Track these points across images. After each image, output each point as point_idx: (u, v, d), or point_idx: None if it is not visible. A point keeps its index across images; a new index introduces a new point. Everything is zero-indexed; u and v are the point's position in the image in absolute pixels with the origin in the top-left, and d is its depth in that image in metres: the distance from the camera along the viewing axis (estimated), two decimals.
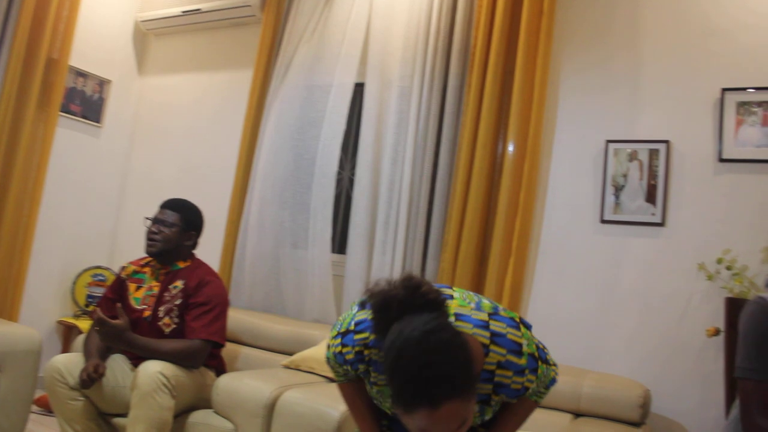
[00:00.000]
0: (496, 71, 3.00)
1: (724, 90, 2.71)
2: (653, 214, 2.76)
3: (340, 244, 3.54)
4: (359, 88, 3.52)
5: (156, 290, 2.69)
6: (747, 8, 2.74)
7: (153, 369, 2.29)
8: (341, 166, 3.64)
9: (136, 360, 2.52)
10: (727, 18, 2.77)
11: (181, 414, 2.50)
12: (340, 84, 3.49)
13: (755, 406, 1.52)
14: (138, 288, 2.73)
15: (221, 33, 4.17)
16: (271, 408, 2.34)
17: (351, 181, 3.54)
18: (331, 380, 2.62)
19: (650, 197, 2.79)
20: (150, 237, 2.68)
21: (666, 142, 2.78)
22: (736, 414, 1.66)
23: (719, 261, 2.56)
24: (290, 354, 3.01)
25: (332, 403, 2.25)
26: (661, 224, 2.74)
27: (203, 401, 2.55)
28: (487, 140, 2.95)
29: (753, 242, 2.57)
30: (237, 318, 3.23)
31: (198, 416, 2.51)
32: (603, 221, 2.85)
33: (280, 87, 3.71)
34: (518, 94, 2.96)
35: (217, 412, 2.49)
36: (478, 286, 2.94)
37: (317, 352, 2.79)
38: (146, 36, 4.47)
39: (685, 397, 2.60)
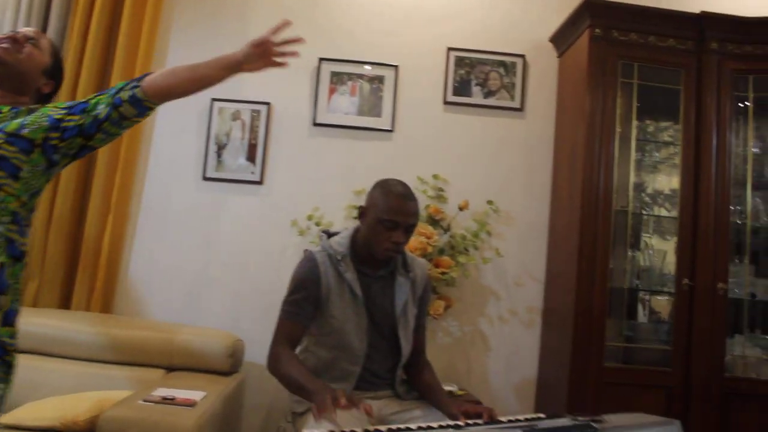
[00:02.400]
0: (101, 16, 3.09)
1: (321, 59, 3.33)
2: (253, 173, 3.21)
3: None
4: None
5: None
6: None
7: None
8: None
9: None
10: None
11: None
12: None
13: (282, 339, 1.99)
14: None
15: None
16: None
17: None
18: None
19: (251, 156, 3.25)
20: None
21: (267, 104, 3.23)
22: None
23: (309, 218, 3.16)
24: None
25: None
26: (259, 182, 3.17)
27: None
28: (88, 90, 3.06)
29: (339, 201, 3.23)
30: None
31: None
32: (205, 179, 3.16)
33: None
34: (124, 45, 3.08)
35: None
36: (75, 243, 3.02)
37: None
38: None
39: None
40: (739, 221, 2.96)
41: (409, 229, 2.03)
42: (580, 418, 1.52)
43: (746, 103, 3.00)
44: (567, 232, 2.96)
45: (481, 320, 3.20)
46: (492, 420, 1.70)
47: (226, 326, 3.02)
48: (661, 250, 3.03)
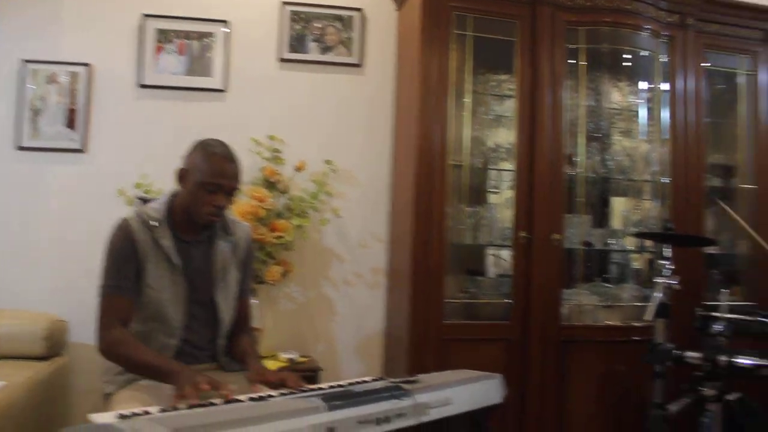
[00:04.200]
0: None
1: (146, 16, 3.23)
2: (73, 140, 3.08)
3: None
4: None
5: None
6: None
7: None
8: None
9: None
10: None
11: None
12: None
13: (110, 317, 1.90)
14: None
15: None
16: None
17: None
18: None
19: (70, 122, 3.12)
20: None
21: (87, 65, 3.09)
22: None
23: (138, 186, 3.08)
24: None
25: None
26: (81, 151, 3.07)
27: None
28: None
29: (169, 167, 3.17)
30: None
31: None
32: (20, 148, 3.03)
33: None
34: None
35: None
36: None
37: None
38: None
39: None
40: (573, 173, 3.12)
41: (231, 192, 2.01)
42: (393, 380, 1.56)
43: (579, 57, 3.14)
44: (406, 190, 3.05)
45: (325, 284, 3.27)
46: (296, 389, 1.71)
47: (51, 308, 2.94)
48: (502, 205, 3.17)
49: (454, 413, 1.56)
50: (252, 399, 1.53)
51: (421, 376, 1.61)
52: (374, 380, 1.65)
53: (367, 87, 3.34)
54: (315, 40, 3.30)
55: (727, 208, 2.92)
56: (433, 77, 2.91)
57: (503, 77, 3.14)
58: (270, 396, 1.57)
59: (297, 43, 3.28)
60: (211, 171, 1.96)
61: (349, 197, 3.27)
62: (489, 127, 3.18)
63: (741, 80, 3.42)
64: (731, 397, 2.49)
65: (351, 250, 3.27)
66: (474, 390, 1.66)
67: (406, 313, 2.89)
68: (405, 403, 1.44)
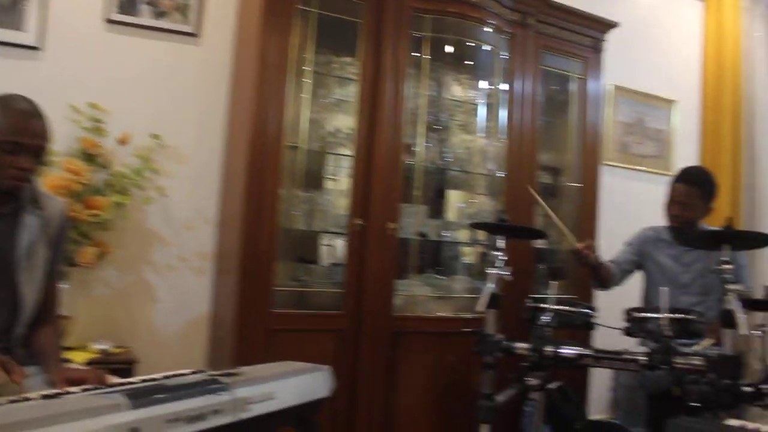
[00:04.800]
0: None
1: None
2: None
3: None
4: None
5: None
6: None
7: None
8: None
9: None
10: None
11: None
12: None
13: None
14: None
15: None
16: None
17: None
18: None
19: None
20: None
21: None
22: None
23: None
24: None
25: None
26: None
27: None
28: None
29: None
30: None
31: None
32: None
33: None
34: None
35: None
36: None
37: None
38: None
39: None
40: (412, 162, 3.14)
41: (38, 153, 1.80)
42: (211, 374, 1.45)
43: (423, 46, 3.15)
44: (238, 171, 2.92)
45: (146, 268, 3.06)
46: (100, 385, 1.56)
47: None
48: (338, 191, 3.12)
49: (278, 408, 1.48)
50: (45, 396, 1.34)
51: (243, 369, 1.51)
52: (193, 373, 1.53)
53: (203, 59, 3.16)
54: (148, 3, 3.08)
55: (536, 195, 3.04)
56: (272, 53, 2.80)
57: (347, 60, 3.08)
58: (68, 393, 1.39)
59: (127, 5, 3.05)
60: (11, 128, 1.76)
61: (177, 175, 3.09)
62: (329, 111, 3.12)
63: (573, 84, 3.60)
64: (552, 385, 2.61)
65: (176, 233, 3.09)
66: (299, 383, 1.59)
67: (233, 301, 2.76)
68: (222, 398, 1.33)
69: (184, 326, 3.12)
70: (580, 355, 2.31)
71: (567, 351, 2.34)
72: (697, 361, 2.13)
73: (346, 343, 2.92)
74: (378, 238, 2.95)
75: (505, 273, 2.49)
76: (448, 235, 3.30)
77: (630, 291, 3.19)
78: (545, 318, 2.46)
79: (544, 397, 2.51)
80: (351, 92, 3.05)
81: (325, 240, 3.14)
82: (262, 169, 2.77)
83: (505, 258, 2.52)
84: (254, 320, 2.75)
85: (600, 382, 3.60)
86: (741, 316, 2.10)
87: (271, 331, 2.77)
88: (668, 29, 4.82)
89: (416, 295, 3.09)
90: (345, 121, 3.08)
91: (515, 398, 2.50)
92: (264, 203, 2.77)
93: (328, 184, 3.14)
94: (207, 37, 3.19)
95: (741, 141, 4.93)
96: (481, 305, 2.44)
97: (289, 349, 2.63)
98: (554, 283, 2.57)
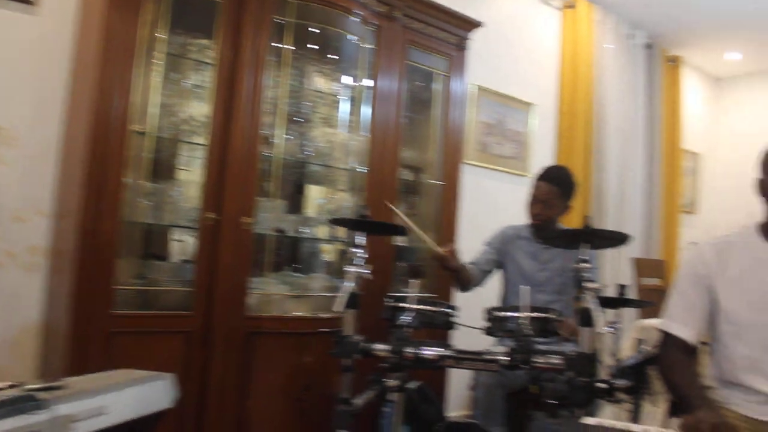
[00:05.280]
0: None
1: None
2: None
3: None
4: None
5: None
6: None
7: None
8: None
9: None
10: None
11: None
12: None
13: None
14: None
15: None
16: None
17: None
18: None
19: None
20: None
21: None
22: None
23: None
24: None
25: None
26: None
27: None
28: None
29: None
30: None
31: None
32: None
33: None
34: None
35: None
36: None
37: None
38: None
39: None
40: (270, 154, 3.00)
41: None
42: (28, 388, 1.26)
43: (286, 33, 3.02)
44: (77, 158, 2.65)
45: None
46: None
47: None
48: (191, 182, 2.92)
49: (110, 424, 1.33)
50: None
51: (69, 381, 1.35)
52: (9, 387, 1.32)
53: (41, 32, 2.85)
54: None
55: (395, 209, 3.01)
56: (119, 30, 2.56)
57: (204, 42, 2.89)
58: None
59: None
60: None
61: (6, 159, 2.77)
62: (183, 96, 2.91)
63: (437, 81, 3.60)
64: (411, 385, 2.56)
65: (3, 225, 2.77)
66: (137, 394, 1.44)
67: (69, 301, 2.50)
68: (39, 417, 1.17)
69: (11, 330, 2.80)
70: (441, 357, 2.28)
71: (428, 352, 2.30)
72: (555, 360, 2.16)
73: (196, 345, 2.74)
74: (232, 234, 2.80)
75: (365, 271, 2.42)
76: (307, 231, 3.19)
77: (490, 290, 3.23)
78: (405, 318, 2.40)
79: (403, 398, 2.46)
80: (207, 77, 2.86)
81: (175, 235, 2.93)
82: (104, 156, 2.53)
83: (365, 255, 2.45)
84: (92, 323, 2.51)
85: (458, 380, 3.63)
86: (597, 314, 2.14)
87: (111, 335, 2.55)
88: (529, 35, 4.98)
89: (272, 294, 2.97)
90: (200, 108, 2.88)
91: (374, 400, 2.44)
92: (105, 193, 2.54)
93: (180, 175, 2.94)
94: (46, 7, 2.88)
95: (591, 146, 5.18)
96: (339, 305, 2.35)
97: (133, 355, 2.45)
98: (414, 282, 2.53)
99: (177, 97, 2.89)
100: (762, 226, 2.03)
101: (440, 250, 2.91)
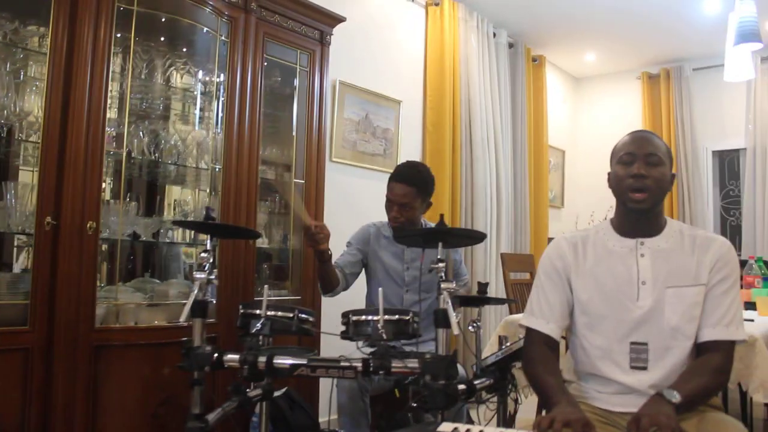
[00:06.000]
0: None
1: None
2: None
3: None
4: None
5: None
6: None
7: None
8: None
9: None
10: None
11: None
12: None
13: None
14: None
15: None
16: None
17: None
18: None
19: None
20: None
21: None
22: None
23: None
24: None
25: None
26: None
27: None
28: None
29: None
30: None
31: None
32: None
33: None
34: None
35: None
36: None
37: None
38: None
39: None
40: (118, 152, 2.80)
41: None
42: None
43: (132, 22, 2.82)
44: None
45: None
46: None
47: None
48: (25, 184, 2.68)
49: None
50: None
51: None
52: None
53: None
54: None
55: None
56: None
57: (39, 30, 2.64)
58: None
59: None
60: None
61: None
62: (13, 89, 2.65)
63: (298, 77, 3.51)
64: (277, 393, 2.45)
65: None
66: None
67: None
68: None
69: None
70: (295, 366, 2.15)
71: (281, 362, 2.16)
72: (413, 364, 2.09)
73: (36, 363, 2.50)
74: (74, 240, 2.57)
75: (212, 277, 2.26)
76: (164, 235, 3.01)
77: (359, 292, 3.16)
78: (258, 325, 2.28)
79: (270, 407, 2.34)
80: (41, 69, 2.62)
81: (9, 243, 2.67)
82: None
83: (212, 260, 2.29)
84: None
85: (329, 384, 3.54)
86: (453, 315, 2.11)
87: None
88: (395, 31, 4.99)
89: (124, 303, 2.76)
90: (33, 103, 2.63)
91: (239, 411, 2.30)
92: None
93: (15, 176, 2.67)
94: None
95: (459, 142, 5.25)
96: (185, 314, 2.18)
97: None
98: (267, 287, 2.41)
99: (6, 90, 2.62)
100: (613, 220, 2.09)
101: (312, 222, 2.74)
